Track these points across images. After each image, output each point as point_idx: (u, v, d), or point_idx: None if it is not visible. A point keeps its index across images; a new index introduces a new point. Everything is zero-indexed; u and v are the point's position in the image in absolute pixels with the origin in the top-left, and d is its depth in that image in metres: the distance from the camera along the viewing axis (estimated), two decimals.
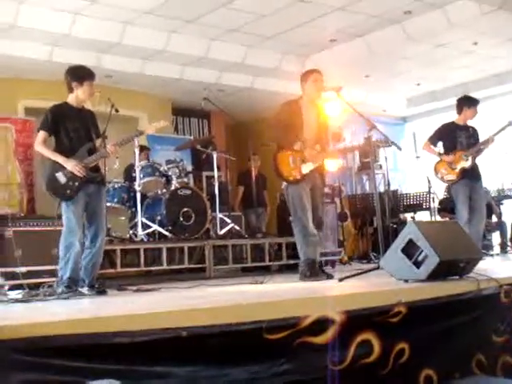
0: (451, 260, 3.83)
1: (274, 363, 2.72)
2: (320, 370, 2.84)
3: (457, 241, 4.14)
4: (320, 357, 2.85)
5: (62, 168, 4.50)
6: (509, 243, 9.40)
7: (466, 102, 6.57)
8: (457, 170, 6.36)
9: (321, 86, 5.06)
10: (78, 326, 2.37)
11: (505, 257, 8.53)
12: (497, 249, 9.38)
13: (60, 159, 4.51)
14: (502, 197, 9.81)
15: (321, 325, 2.86)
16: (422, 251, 3.79)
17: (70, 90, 4.65)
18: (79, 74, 4.63)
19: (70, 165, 4.48)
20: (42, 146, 4.56)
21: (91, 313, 3.11)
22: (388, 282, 3.91)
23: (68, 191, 4.49)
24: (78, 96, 4.64)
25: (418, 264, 3.81)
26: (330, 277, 4.91)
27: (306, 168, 4.96)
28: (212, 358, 2.58)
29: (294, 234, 5.14)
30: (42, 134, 4.57)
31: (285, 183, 5.07)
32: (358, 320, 3.00)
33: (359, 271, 4.77)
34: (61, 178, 4.50)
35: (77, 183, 4.50)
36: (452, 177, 6.41)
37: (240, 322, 2.70)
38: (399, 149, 5.13)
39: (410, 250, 3.87)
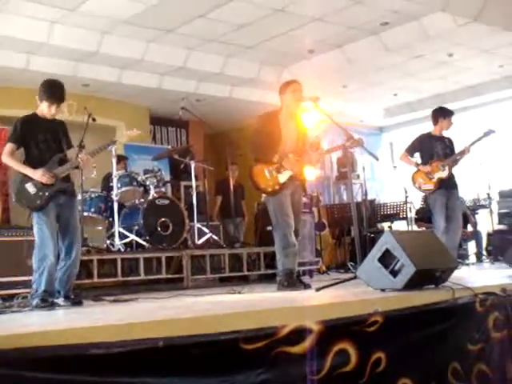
0: (427, 269, 3.86)
1: (251, 373, 2.71)
2: (298, 380, 2.84)
3: (432, 250, 4.18)
4: (298, 366, 2.84)
5: (31, 179, 4.44)
6: (484, 252, 9.50)
7: (441, 113, 6.67)
8: (434, 180, 6.45)
9: (299, 96, 5.07)
10: (53, 338, 2.35)
11: (480, 266, 8.62)
12: (472, 258, 9.48)
13: (28, 171, 4.45)
14: (477, 206, 9.93)
15: (298, 334, 2.87)
16: (399, 261, 3.83)
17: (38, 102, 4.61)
18: (42, 93, 4.55)
19: (38, 174, 4.42)
20: (8, 157, 4.49)
21: (66, 324, 3.08)
22: (365, 292, 3.93)
23: (38, 201, 4.42)
24: (42, 110, 4.60)
25: (394, 273, 3.84)
26: (307, 287, 4.92)
27: (284, 177, 4.95)
28: (189, 369, 2.57)
29: (273, 243, 5.13)
30: (9, 146, 4.51)
31: (264, 195, 5.07)
32: (335, 329, 3.01)
33: (336, 281, 4.78)
34: (30, 188, 4.43)
35: (47, 193, 4.43)
36: (429, 186, 6.50)
37: (217, 331, 2.69)
38: (376, 159, 5.16)
39: (386, 259, 3.90)
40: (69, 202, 4.61)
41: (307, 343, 2.88)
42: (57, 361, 2.26)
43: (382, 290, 3.89)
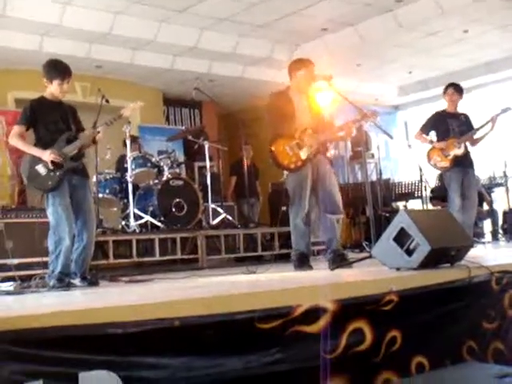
0: (442, 248, 3.84)
1: (266, 352, 2.72)
2: (313, 359, 2.85)
3: (448, 229, 4.15)
4: (313, 345, 2.85)
5: (41, 160, 4.43)
6: (500, 231, 9.45)
7: (444, 89, 6.62)
8: (449, 157, 6.39)
9: (311, 77, 4.99)
10: (71, 318, 2.36)
11: (496, 244, 8.58)
12: (488, 236, 9.43)
13: (36, 152, 4.45)
14: (493, 184, 9.85)
15: (313, 314, 2.87)
16: (414, 239, 3.80)
17: (46, 84, 4.58)
18: (50, 72, 4.53)
19: (46, 154, 4.40)
20: (15, 138, 4.49)
21: (83, 304, 3.11)
22: (380, 271, 3.92)
23: (50, 182, 4.41)
24: (52, 92, 4.57)
25: (409, 252, 3.82)
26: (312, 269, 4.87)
27: (305, 153, 4.86)
28: (205, 348, 2.58)
29: (287, 223, 5.10)
30: (16, 128, 4.51)
31: (286, 172, 5.00)
32: (350, 308, 3.01)
33: (351, 260, 4.78)
34: (41, 169, 4.42)
35: (58, 173, 4.42)
36: (445, 164, 6.44)
37: (233, 311, 2.71)
38: (391, 138, 5.13)
39: (401, 238, 3.87)
40: (81, 183, 4.60)
41: (322, 322, 2.88)
42: (74, 340, 2.29)
43: (397, 269, 3.88)
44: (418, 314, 3.28)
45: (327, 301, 2.93)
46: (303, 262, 4.92)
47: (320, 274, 4.53)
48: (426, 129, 6.64)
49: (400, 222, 3.91)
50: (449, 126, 6.50)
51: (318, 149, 4.92)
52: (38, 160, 4.44)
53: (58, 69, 4.55)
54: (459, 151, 6.38)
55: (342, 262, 4.74)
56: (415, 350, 3.22)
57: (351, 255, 7.05)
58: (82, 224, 4.53)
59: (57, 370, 2.22)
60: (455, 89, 6.56)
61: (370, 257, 4.34)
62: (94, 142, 4.72)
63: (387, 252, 3.97)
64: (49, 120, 4.52)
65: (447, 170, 6.46)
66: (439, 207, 8.98)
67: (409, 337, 3.17)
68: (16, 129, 4.53)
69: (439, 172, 7.23)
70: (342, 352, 2.92)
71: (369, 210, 6.04)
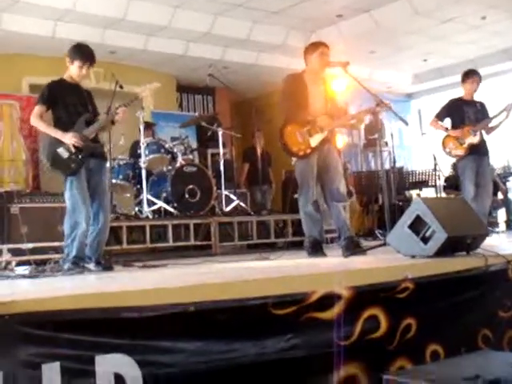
0: (459, 236, 3.81)
1: (281, 338, 2.72)
2: (327, 345, 2.84)
3: (464, 217, 4.12)
4: (327, 332, 2.85)
5: (62, 143, 4.43)
6: None
7: (462, 78, 6.55)
8: (465, 146, 6.33)
9: (326, 61, 4.95)
10: (87, 301, 2.37)
11: (511, 233, 8.51)
12: (502, 226, 9.37)
13: (57, 134, 4.44)
14: (507, 174, 9.77)
15: (328, 300, 2.86)
16: (430, 227, 3.77)
17: (68, 64, 4.61)
18: (73, 53, 4.56)
19: (67, 137, 4.41)
20: (37, 119, 4.49)
21: (99, 288, 3.12)
22: (395, 258, 3.90)
23: (73, 165, 4.41)
24: (71, 75, 4.59)
25: (425, 240, 3.79)
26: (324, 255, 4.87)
27: (315, 140, 4.84)
28: (220, 333, 2.59)
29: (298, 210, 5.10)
30: (37, 108, 4.51)
31: (294, 159, 4.98)
32: (365, 295, 3.00)
33: (366, 248, 4.76)
34: (63, 152, 4.43)
35: (80, 156, 4.43)
36: (460, 152, 6.38)
37: (247, 297, 2.70)
38: (406, 124, 5.07)
39: (417, 226, 3.85)
40: (99, 166, 4.63)
41: (336, 309, 2.87)
42: (90, 323, 2.29)
43: (413, 257, 3.85)
44: (433, 302, 3.26)
45: (342, 287, 2.92)
46: (317, 249, 4.91)
47: (334, 260, 4.51)
48: (441, 116, 6.58)
49: (415, 209, 3.88)
50: (464, 113, 6.44)
51: (327, 136, 4.89)
52: (59, 143, 4.44)
53: (81, 51, 4.57)
54: (475, 139, 6.32)
55: (355, 249, 4.72)
56: (430, 338, 3.21)
57: (364, 243, 7.04)
58: (97, 207, 4.56)
59: (73, 352, 2.23)
60: (475, 76, 6.49)
61: (385, 244, 4.32)
62: (113, 123, 4.73)
63: (402, 239, 3.95)
64: (68, 102, 4.54)
65: (462, 158, 6.41)
66: (453, 196, 8.92)
67: (424, 324, 3.16)
68: (36, 109, 4.52)
69: (453, 161, 7.17)
70: (356, 339, 2.92)
71: (382, 198, 6.01)
